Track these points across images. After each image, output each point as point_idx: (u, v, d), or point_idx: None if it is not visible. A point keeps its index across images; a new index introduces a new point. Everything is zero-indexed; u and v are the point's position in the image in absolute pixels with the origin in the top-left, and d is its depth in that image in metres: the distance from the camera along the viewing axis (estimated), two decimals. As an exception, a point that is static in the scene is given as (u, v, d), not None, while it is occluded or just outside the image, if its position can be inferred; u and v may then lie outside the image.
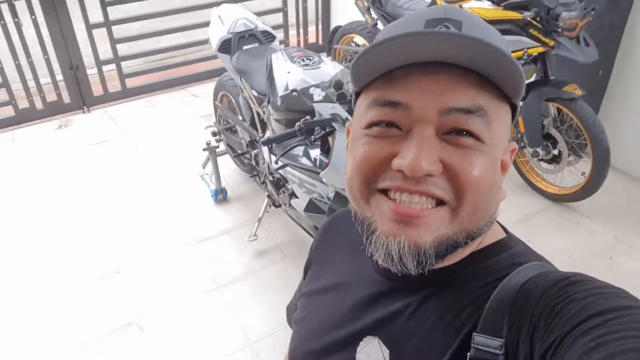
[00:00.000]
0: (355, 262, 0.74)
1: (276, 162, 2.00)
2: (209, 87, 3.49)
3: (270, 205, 2.54)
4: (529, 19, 2.45)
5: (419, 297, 0.63)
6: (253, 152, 2.61)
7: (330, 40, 3.94)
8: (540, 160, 2.79)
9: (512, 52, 2.55)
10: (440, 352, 0.58)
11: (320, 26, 5.16)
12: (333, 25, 5.26)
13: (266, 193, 2.50)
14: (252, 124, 2.63)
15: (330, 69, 2.11)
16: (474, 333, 0.55)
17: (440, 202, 0.55)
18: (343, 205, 1.82)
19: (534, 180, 2.94)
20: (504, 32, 2.54)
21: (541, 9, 2.40)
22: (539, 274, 0.57)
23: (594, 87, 2.95)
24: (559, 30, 2.39)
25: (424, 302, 0.62)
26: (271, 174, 2.30)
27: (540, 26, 2.44)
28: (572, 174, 2.75)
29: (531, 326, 0.51)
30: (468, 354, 0.55)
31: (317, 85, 1.86)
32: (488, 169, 0.55)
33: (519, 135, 2.78)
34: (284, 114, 2.11)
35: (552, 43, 2.44)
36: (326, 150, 1.96)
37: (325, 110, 1.78)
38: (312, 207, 1.96)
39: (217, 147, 2.88)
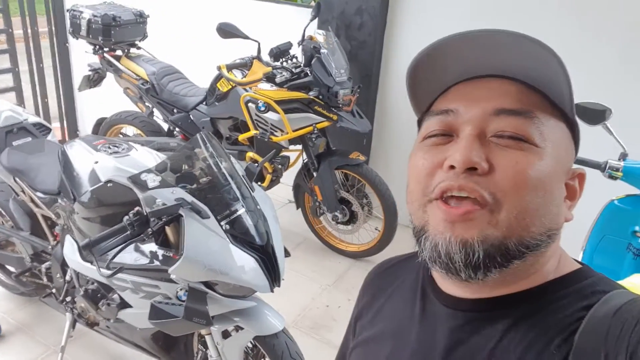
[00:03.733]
0: (418, 302, 0.68)
1: (107, 268, 1.64)
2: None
3: (72, 329, 2.06)
4: (313, 97, 2.69)
5: (499, 328, 0.58)
6: (43, 267, 2.10)
7: (95, 133, 3.58)
8: (338, 223, 3.01)
9: (302, 127, 2.76)
10: None
11: (65, 123, 4.66)
12: (80, 120, 4.85)
13: (69, 314, 2.03)
14: (35, 233, 2.14)
15: (144, 154, 1.90)
16: None
17: (483, 205, 0.55)
18: (201, 302, 1.59)
19: (334, 243, 3.14)
20: (292, 110, 2.74)
21: (322, 88, 2.68)
22: (632, 300, 0.54)
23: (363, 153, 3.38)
24: (340, 105, 2.70)
25: (507, 333, 0.58)
26: (82, 286, 1.89)
27: (323, 103, 2.71)
28: (367, 231, 3.04)
29: (627, 356, 0.49)
30: None
31: (149, 171, 1.64)
32: (539, 171, 0.55)
33: (317, 203, 2.97)
34: (96, 211, 1.79)
35: (335, 117, 2.72)
36: (162, 244, 1.72)
37: (165, 196, 1.56)
38: (157, 313, 1.65)
39: (-21, 271, 2.24)
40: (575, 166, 0.63)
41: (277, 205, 3.55)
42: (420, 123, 0.65)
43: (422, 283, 0.69)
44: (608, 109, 1.82)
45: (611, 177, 1.85)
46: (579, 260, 0.65)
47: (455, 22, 3.01)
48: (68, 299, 2.04)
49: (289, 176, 3.20)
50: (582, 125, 1.87)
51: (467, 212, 0.55)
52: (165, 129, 3.38)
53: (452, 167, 0.56)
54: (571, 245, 2.13)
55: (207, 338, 1.76)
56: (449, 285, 0.64)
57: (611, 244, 1.95)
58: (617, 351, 0.50)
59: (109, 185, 1.74)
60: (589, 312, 0.55)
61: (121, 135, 3.54)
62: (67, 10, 3.29)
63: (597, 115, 1.84)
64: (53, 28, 4.40)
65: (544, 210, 0.56)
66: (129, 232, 1.53)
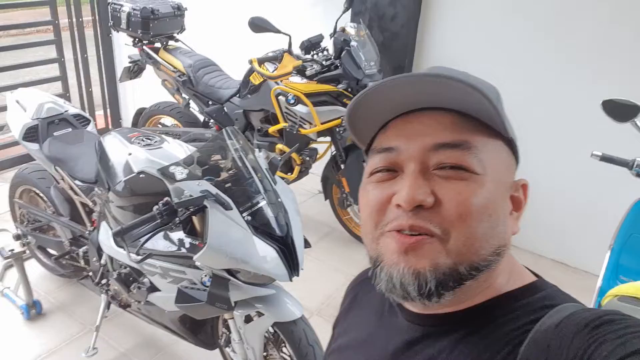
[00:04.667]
0: (384, 317, 0.73)
1: (137, 254, 1.75)
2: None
3: (107, 309, 2.19)
4: (341, 90, 2.72)
5: (451, 341, 0.62)
6: (80, 250, 2.24)
7: (135, 123, 3.72)
8: (365, 215, 3.03)
9: (330, 120, 2.79)
10: None
11: (108, 111, 4.85)
12: (123, 109, 5.03)
13: (104, 295, 2.15)
14: (74, 218, 2.27)
15: (175, 147, 1.99)
16: None
17: (433, 235, 0.58)
18: (224, 288, 1.68)
19: (361, 234, 3.17)
20: (321, 103, 2.77)
21: (351, 81, 2.70)
22: (571, 314, 0.55)
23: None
24: (368, 98, 2.71)
25: (457, 345, 0.61)
26: (115, 270, 2.00)
27: (351, 96, 2.73)
28: (393, 223, 3.05)
29: None
30: None
31: (177, 164, 1.72)
32: (481, 198, 0.57)
33: (344, 195, 3.01)
34: (129, 200, 1.89)
35: (363, 110, 2.73)
36: (189, 232, 1.80)
37: (192, 188, 1.64)
38: (183, 297, 1.75)
39: (24, 252, 2.40)
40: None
41: (307, 195, 3.61)
42: (366, 153, 0.68)
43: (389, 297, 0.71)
44: (637, 105, 1.77)
45: (639, 175, 1.82)
46: (535, 272, 0.67)
47: (490, 14, 2.96)
48: (103, 281, 2.17)
49: (319, 167, 3.25)
50: (610, 122, 1.83)
51: (420, 242, 0.58)
52: (201, 120, 3.48)
53: (399, 205, 0.58)
54: (599, 244, 2.11)
55: (230, 322, 1.85)
56: (408, 302, 0.67)
57: (638, 243, 1.92)
58: None
59: (141, 176, 1.83)
60: (535, 326, 0.56)
61: (160, 126, 3.66)
62: (108, 4, 3.42)
63: (626, 112, 1.80)
64: (97, 18, 4.57)
65: (491, 232, 0.59)
66: (158, 221, 1.62)
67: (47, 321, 2.42)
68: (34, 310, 2.41)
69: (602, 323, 0.52)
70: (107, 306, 2.19)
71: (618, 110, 1.81)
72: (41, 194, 2.40)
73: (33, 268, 2.60)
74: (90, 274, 2.23)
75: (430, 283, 0.57)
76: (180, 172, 1.70)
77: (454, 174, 0.58)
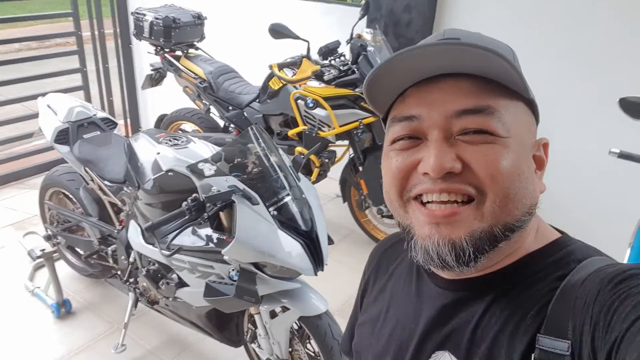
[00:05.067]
0: (413, 283, 0.74)
1: (168, 249, 1.81)
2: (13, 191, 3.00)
3: (135, 307, 2.25)
4: (359, 93, 2.78)
5: (482, 304, 0.63)
6: (109, 249, 2.31)
7: (157, 128, 3.81)
8: (383, 216, 3.08)
9: (348, 123, 2.85)
10: (509, 356, 0.58)
11: (128, 119, 4.97)
12: (142, 117, 5.15)
13: (132, 293, 2.22)
14: (102, 218, 2.35)
15: (201, 147, 2.05)
16: (538, 334, 0.56)
17: (468, 200, 0.59)
18: (251, 282, 1.73)
19: (380, 237, 3.21)
20: (339, 106, 2.83)
21: (368, 85, 2.75)
22: (596, 270, 0.56)
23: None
24: (386, 101, 2.76)
25: (489, 308, 0.62)
26: (144, 267, 2.07)
27: (369, 99, 2.78)
28: (412, 224, 3.09)
29: (591, 326, 0.51)
30: (532, 355, 0.55)
31: (205, 160, 1.79)
32: (509, 160, 0.58)
33: (363, 197, 3.05)
34: (158, 197, 1.96)
35: (381, 113, 2.79)
36: (216, 228, 1.86)
37: (220, 184, 1.70)
38: (211, 291, 1.80)
39: (55, 252, 2.47)
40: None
41: (325, 199, 3.65)
42: (384, 121, 0.69)
43: (417, 264, 0.71)
44: None
45: None
46: (559, 229, 0.68)
47: (504, 20, 3.01)
48: (131, 279, 2.23)
49: (336, 171, 3.30)
50: (628, 120, 1.85)
51: (453, 213, 0.59)
52: (221, 126, 3.56)
53: (426, 173, 0.59)
54: (620, 242, 2.11)
55: (256, 317, 1.89)
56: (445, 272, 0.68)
57: (658, 240, 1.93)
58: (583, 321, 0.53)
59: (169, 174, 1.90)
60: (563, 282, 0.58)
61: (180, 132, 3.75)
62: (131, 13, 3.52)
63: None
64: (118, 30, 4.71)
65: (522, 192, 0.59)
66: (187, 217, 1.68)
67: (76, 319, 2.49)
68: (63, 309, 2.48)
69: (626, 278, 0.52)
70: (135, 304, 2.25)
71: (634, 108, 1.83)
72: (70, 195, 2.48)
73: (62, 269, 2.67)
74: (119, 272, 2.30)
75: (468, 250, 0.58)
76: (208, 169, 1.77)
77: (478, 138, 0.58)
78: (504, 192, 0.58)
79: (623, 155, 1.92)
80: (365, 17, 3.24)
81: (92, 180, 2.27)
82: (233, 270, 1.78)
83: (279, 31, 2.81)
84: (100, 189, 2.25)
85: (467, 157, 0.58)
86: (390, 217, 3.06)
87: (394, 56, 0.59)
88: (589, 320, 0.52)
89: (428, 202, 0.61)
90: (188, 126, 3.68)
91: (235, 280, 1.76)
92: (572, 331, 0.53)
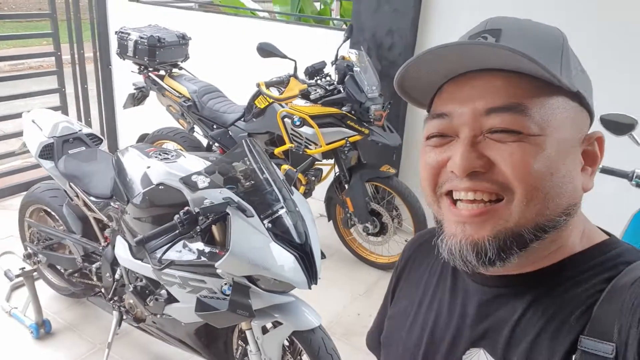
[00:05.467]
0: (449, 277, 0.73)
1: (159, 262, 1.77)
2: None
3: (119, 326, 2.19)
4: (345, 112, 2.82)
5: (523, 303, 0.62)
6: (93, 267, 2.25)
7: (138, 148, 3.77)
8: (369, 234, 3.09)
9: (335, 141, 2.88)
10: (549, 357, 0.57)
11: (106, 140, 4.90)
12: (121, 138, 5.09)
13: (116, 312, 2.16)
14: (86, 235, 2.30)
15: (191, 161, 2.04)
16: (581, 336, 0.55)
17: (497, 199, 0.59)
18: (245, 296, 1.70)
19: (365, 255, 3.22)
20: (326, 124, 2.87)
21: (354, 104, 2.80)
22: None
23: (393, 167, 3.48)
24: (371, 120, 2.81)
25: (530, 307, 0.61)
26: (131, 283, 2.02)
27: (355, 118, 2.83)
28: (397, 242, 3.11)
29: (639, 329, 0.50)
30: (573, 356, 0.54)
31: (199, 173, 1.78)
32: (539, 158, 0.56)
33: (349, 215, 3.06)
34: (148, 211, 1.93)
35: (366, 131, 2.83)
36: (208, 241, 1.83)
37: (214, 196, 1.69)
38: (203, 306, 1.76)
39: (35, 271, 2.40)
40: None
41: (309, 219, 3.65)
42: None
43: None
44: (635, 120, 1.86)
45: (638, 185, 1.90)
46: (607, 231, 0.66)
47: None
48: (116, 297, 2.18)
49: (320, 191, 3.31)
50: (607, 136, 1.92)
51: (480, 213, 0.59)
52: (205, 145, 3.55)
53: (453, 172, 0.60)
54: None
55: (248, 333, 1.86)
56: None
57: (640, 253, 1.98)
58: (630, 323, 0.51)
59: (160, 187, 1.87)
60: (610, 284, 0.56)
61: (161, 151, 3.71)
62: (115, 32, 3.52)
63: (623, 126, 1.89)
64: (97, 52, 4.69)
65: (556, 191, 0.58)
66: (178, 230, 1.66)
67: (56, 340, 2.40)
68: (43, 330, 2.39)
69: None
70: (119, 323, 2.19)
71: (615, 124, 1.90)
72: (53, 212, 2.43)
73: (41, 290, 2.58)
74: (103, 290, 2.24)
75: (490, 251, 0.58)
76: (202, 181, 1.76)
77: (507, 137, 0.57)
78: (532, 192, 0.57)
79: (605, 170, 1.98)
80: (349, 40, 3.31)
81: (77, 196, 2.23)
82: (226, 284, 1.75)
83: (267, 50, 2.85)
84: (86, 204, 2.21)
85: (494, 156, 0.58)
86: (376, 234, 3.07)
87: (423, 53, 0.59)
88: (637, 322, 0.51)
89: (458, 199, 0.61)
90: (170, 145, 3.65)
91: (227, 295, 1.73)
92: (618, 334, 0.52)
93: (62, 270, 2.46)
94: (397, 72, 0.63)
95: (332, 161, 3.11)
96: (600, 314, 0.54)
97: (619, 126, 1.89)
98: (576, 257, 0.62)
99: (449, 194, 0.62)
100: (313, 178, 3.12)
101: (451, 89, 0.62)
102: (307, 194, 3.21)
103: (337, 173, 3.08)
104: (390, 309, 0.83)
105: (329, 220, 3.27)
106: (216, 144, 3.38)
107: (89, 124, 4.67)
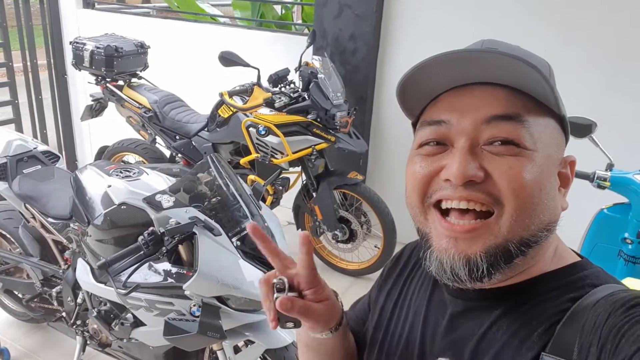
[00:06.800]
0: (429, 288, 0.74)
1: (124, 287, 1.70)
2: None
3: (83, 352, 2.10)
4: (311, 120, 2.79)
5: (491, 316, 0.63)
6: (53, 291, 2.15)
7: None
8: (338, 242, 3.07)
9: (301, 149, 2.85)
10: None
11: (64, 153, 4.73)
12: (79, 150, 4.92)
13: (79, 337, 2.07)
14: (44, 258, 2.19)
15: (154, 178, 1.97)
16: (542, 353, 0.56)
17: (487, 214, 0.59)
18: (215, 317, 1.65)
19: (335, 262, 3.20)
20: (292, 133, 2.83)
21: (320, 111, 2.78)
22: (609, 294, 0.56)
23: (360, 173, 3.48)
24: (337, 127, 2.79)
25: (497, 321, 0.62)
26: (94, 307, 1.93)
27: (321, 125, 2.81)
28: (366, 249, 3.10)
29: (598, 348, 0.51)
30: None
31: (163, 192, 1.72)
32: (532, 173, 0.57)
33: (317, 223, 3.04)
34: (110, 233, 1.85)
35: (333, 138, 2.81)
36: (175, 262, 1.78)
37: (180, 216, 1.64)
38: (171, 329, 1.70)
39: (-9, 297, 2.28)
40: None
41: (277, 227, 3.61)
42: (414, 126, 0.69)
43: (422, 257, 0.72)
44: (593, 122, 1.91)
45: (599, 186, 1.94)
46: (578, 252, 0.68)
47: (443, 46, 3.14)
48: (79, 322, 2.09)
49: (288, 199, 3.27)
50: (573, 139, 1.96)
51: (473, 228, 0.59)
52: (167, 156, 3.46)
53: (448, 180, 0.59)
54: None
55: (219, 353, 1.81)
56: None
57: (603, 252, 2.03)
58: (590, 342, 0.53)
59: (122, 207, 1.80)
60: (575, 304, 0.57)
61: (122, 163, 3.60)
62: (70, 43, 3.39)
63: (583, 128, 1.93)
64: (52, 61, 4.51)
65: (541, 207, 0.59)
66: (143, 252, 1.59)
67: (15, 370, 2.28)
68: (1, 359, 2.27)
69: (638, 304, 0.52)
70: (83, 348, 2.10)
71: (576, 127, 1.95)
72: (8, 235, 2.31)
73: (-4, 315, 2.47)
74: (64, 315, 2.14)
75: (482, 267, 0.59)
76: (167, 200, 1.70)
77: (504, 149, 0.58)
78: (522, 206, 0.58)
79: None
80: (312, 46, 3.29)
81: (34, 217, 2.12)
82: (194, 305, 1.69)
83: (229, 59, 2.79)
84: (43, 226, 2.11)
85: (490, 168, 0.58)
86: (345, 242, 3.06)
87: (431, 59, 0.59)
88: (597, 341, 0.52)
89: (448, 209, 0.61)
90: (132, 157, 3.55)
91: (197, 316, 1.68)
92: (578, 352, 0.53)
93: (20, 296, 2.35)
94: (403, 76, 0.63)
95: (299, 169, 3.08)
96: (562, 332, 0.56)
97: (580, 128, 1.93)
98: (547, 275, 0.63)
99: (437, 205, 0.62)
100: (280, 187, 3.08)
101: (449, 98, 0.62)
102: (275, 203, 3.17)
103: (305, 181, 3.05)
104: (374, 320, 0.82)
105: (297, 229, 3.24)
106: (179, 155, 3.30)
107: (44, 136, 4.50)
